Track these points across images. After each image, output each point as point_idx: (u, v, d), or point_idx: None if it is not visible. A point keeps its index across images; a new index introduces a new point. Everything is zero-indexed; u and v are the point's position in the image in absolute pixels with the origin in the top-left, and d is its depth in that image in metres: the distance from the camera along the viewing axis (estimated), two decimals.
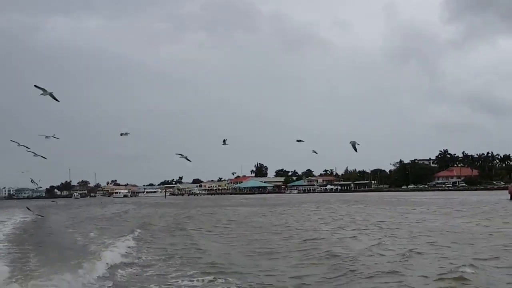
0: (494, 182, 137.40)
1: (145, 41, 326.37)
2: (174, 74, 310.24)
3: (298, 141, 36.68)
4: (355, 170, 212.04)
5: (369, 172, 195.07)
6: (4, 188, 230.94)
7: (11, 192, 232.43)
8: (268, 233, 23.17)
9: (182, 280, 11.92)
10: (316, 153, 41.21)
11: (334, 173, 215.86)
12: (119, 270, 13.32)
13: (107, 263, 13.95)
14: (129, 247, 18.33)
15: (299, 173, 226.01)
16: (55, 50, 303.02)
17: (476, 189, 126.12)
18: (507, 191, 64.71)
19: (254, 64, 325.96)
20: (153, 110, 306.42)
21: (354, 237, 20.48)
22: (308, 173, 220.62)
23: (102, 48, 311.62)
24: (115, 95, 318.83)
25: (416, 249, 15.61)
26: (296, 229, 24.87)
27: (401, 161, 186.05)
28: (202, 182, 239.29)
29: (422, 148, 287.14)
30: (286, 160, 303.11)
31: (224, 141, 40.92)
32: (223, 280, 11.50)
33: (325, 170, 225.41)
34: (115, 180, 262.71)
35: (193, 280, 11.87)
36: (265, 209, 50.55)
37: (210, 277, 11.84)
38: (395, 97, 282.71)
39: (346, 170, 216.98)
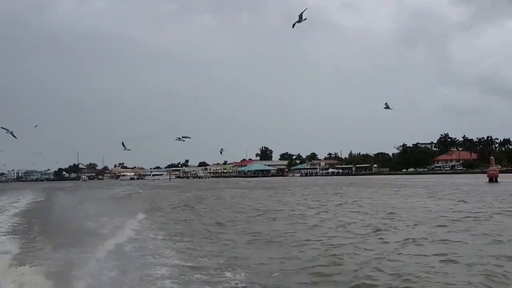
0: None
1: (151, 22, 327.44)
2: (180, 55, 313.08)
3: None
4: (359, 153, 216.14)
5: (372, 155, 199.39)
6: (13, 170, 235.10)
7: (20, 175, 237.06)
8: (234, 211, 26.64)
9: (154, 236, 16.15)
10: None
11: (340, 156, 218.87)
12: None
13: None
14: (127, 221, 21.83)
15: (304, 156, 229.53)
16: (61, 32, 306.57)
17: (473, 172, 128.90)
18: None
19: (261, 45, 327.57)
20: (160, 91, 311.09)
21: (303, 215, 23.70)
22: (312, 156, 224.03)
23: (109, 29, 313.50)
24: (122, 76, 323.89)
25: (348, 222, 19.06)
26: (262, 209, 27.84)
27: (404, 144, 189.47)
28: (208, 165, 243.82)
29: (429, 131, 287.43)
30: (292, 143, 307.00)
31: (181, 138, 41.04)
32: (178, 238, 15.47)
33: (330, 154, 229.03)
34: (123, 163, 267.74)
35: (158, 234, 16.41)
36: (254, 191, 53.70)
37: (171, 237, 15.78)
38: (402, 79, 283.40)
39: (350, 154, 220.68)
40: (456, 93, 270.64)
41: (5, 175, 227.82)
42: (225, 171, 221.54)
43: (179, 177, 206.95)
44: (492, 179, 63.11)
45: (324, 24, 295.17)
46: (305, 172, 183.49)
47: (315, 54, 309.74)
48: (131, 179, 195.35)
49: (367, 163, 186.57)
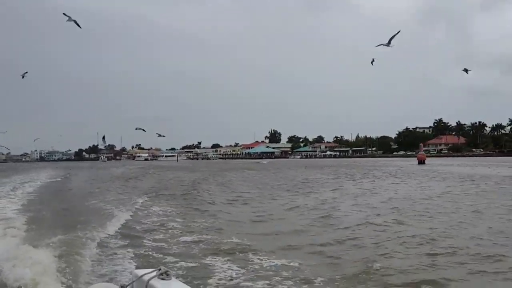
0: (474, 150, 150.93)
1: (166, 2, 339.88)
2: (196, 36, 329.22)
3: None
4: (365, 136, 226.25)
5: (375, 138, 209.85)
6: (36, 150, 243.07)
7: (43, 155, 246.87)
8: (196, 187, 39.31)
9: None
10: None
11: (348, 139, 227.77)
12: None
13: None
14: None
15: (310, 139, 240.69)
16: (77, 12, 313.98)
17: (455, 156, 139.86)
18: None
19: (276, 25, 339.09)
20: (176, 72, 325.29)
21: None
22: (318, 139, 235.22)
23: (124, 9, 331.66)
24: (141, 57, 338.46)
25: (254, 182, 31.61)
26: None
27: (407, 128, 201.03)
28: (220, 147, 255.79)
29: (445, 112, 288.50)
30: (302, 125, 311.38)
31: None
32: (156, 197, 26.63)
33: (336, 137, 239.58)
34: (139, 144, 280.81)
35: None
36: (231, 173, 65.69)
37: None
38: (421, 59, 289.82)
39: (357, 137, 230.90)
40: (477, 74, 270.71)
41: (28, 155, 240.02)
42: (234, 152, 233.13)
43: (190, 158, 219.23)
44: (421, 162, 75.22)
45: (342, 2, 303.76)
46: (305, 154, 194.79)
47: (331, 33, 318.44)
48: (145, 159, 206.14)
49: (370, 146, 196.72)
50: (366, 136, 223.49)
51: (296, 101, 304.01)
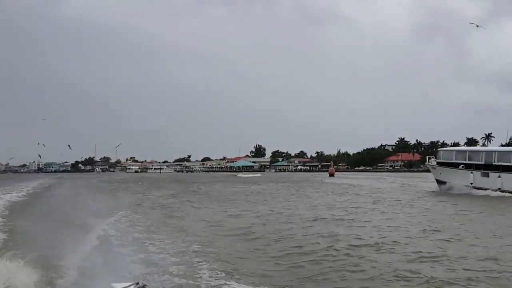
0: (422, 166, 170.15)
1: (165, 16, 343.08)
2: (194, 49, 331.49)
3: None
4: (346, 152, 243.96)
5: (351, 154, 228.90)
6: (34, 162, 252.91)
7: (40, 166, 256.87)
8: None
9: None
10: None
11: (328, 154, 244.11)
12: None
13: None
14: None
15: (293, 154, 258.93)
16: (76, 25, 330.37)
17: (401, 171, 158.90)
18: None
19: (274, 39, 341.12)
20: (174, 84, 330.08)
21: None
22: (300, 154, 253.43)
23: (123, 22, 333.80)
24: (137, 69, 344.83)
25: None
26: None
27: (382, 145, 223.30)
28: (210, 160, 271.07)
29: (439, 128, 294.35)
30: (287, 140, 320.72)
31: None
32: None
33: (317, 152, 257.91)
34: (133, 157, 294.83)
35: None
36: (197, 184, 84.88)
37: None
38: (417, 75, 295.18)
39: (338, 152, 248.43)
40: (474, 90, 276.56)
41: (27, 166, 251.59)
42: (218, 166, 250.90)
43: (176, 171, 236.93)
44: (331, 175, 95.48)
45: (339, 18, 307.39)
46: (279, 168, 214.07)
47: (330, 47, 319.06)
48: (136, 172, 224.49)
49: (343, 161, 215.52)
50: (346, 151, 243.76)
51: (286, 115, 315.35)
